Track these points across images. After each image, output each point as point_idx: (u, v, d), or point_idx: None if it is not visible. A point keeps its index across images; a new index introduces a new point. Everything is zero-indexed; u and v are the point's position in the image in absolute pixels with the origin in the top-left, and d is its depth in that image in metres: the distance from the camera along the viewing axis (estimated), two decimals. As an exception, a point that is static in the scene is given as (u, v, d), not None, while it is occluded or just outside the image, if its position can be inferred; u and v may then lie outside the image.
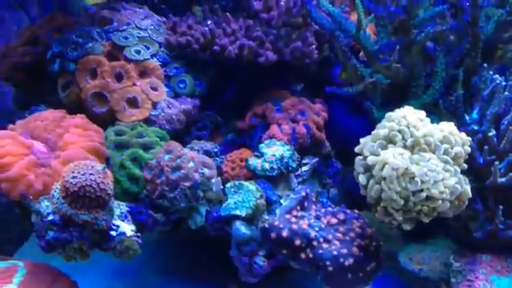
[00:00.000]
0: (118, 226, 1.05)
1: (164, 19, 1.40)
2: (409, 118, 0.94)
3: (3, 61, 1.29)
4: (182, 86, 1.28)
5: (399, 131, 0.94)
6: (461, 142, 0.92)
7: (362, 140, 0.99)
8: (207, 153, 1.22)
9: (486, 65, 1.06)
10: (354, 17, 1.38)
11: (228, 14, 1.28)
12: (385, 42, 1.11)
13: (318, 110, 1.29)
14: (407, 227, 0.95)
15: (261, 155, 1.19)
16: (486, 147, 1.01)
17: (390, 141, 0.95)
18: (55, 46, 1.24)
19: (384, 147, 0.95)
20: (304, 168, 1.24)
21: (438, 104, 1.11)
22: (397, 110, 0.98)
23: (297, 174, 1.23)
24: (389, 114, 0.97)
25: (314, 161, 1.25)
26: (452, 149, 0.91)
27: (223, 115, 1.38)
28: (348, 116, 1.40)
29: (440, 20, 1.10)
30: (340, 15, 1.13)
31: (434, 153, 0.92)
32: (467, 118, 1.06)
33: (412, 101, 1.13)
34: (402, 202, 0.90)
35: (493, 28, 1.04)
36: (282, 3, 1.22)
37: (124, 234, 1.05)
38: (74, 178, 0.97)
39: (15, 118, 1.22)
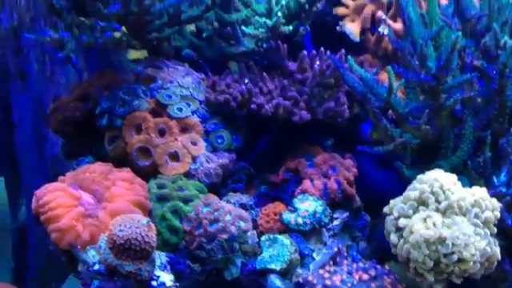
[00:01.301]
0: (158, 277, 1.10)
1: (203, 75, 1.47)
2: (442, 180, 0.97)
3: (55, 114, 1.37)
4: (219, 141, 1.34)
5: (432, 193, 0.97)
6: (491, 207, 0.94)
7: (391, 201, 1.01)
8: (243, 206, 1.26)
9: (513, 131, 1.09)
10: (382, 76, 1.45)
11: (264, 73, 1.34)
12: (414, 105, 1.15)
13: (349, 165, 1.32)
14: (438, 287, 0.96)
15: (294, 210, 1.22)
16: (514, 209, 1.03)
17: (421, 203, 0.98)
18: (104, 102, 1.31)
19: (415, 209, 0.98)
20: (335, 222, 1.27)
21: (467, 165, 1.14)
22: (427, 173, 1.01)
23: (328, 227, 1.26)
24: (420, 177, 1.01)
25: (345, 215, 1.28)
26: (482, 213, 0.94)
27: (256, 166, 1.43)
28: (377, 170, 1.44)
29: (468, 86, 1.14)
30: (371, 79, 1.18)
31: (464, 216, 0.95)
32: (495, 180, 1.08)
33: (441, 162, 1.15)
34: (432, 263, 0.93)
35: (520, 95, 1.08)
36: (316, 66, 1.28)
37: (164, 284, 1.09)
38: (120, 231, 1.02)
39: (61, 164, 1.28)
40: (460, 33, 1.04)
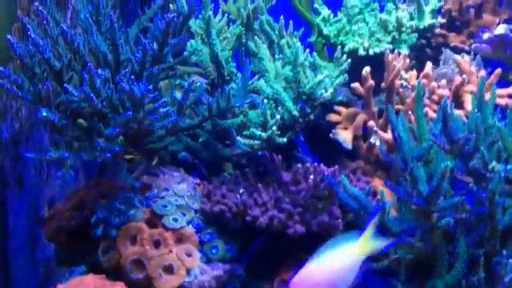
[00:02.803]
0: None
1: (198, 180, 1.48)
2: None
3: (50, 223, 1.36)
4: (214, 251, 1.33)
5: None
6: None
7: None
8: (237, 319, 1.24)
9: (504, 252, 1.09)
10: (375, 182, 1.47)
11: (259, 184, 1.35)
12: (407, 225, 1.16)
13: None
14: None
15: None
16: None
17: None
18: (100, 212, 1.30)
19: None
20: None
21: (462, 285, 1.14)
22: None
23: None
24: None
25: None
26: None
27: (250, 272, 1.41)
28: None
29: (460, 207, 1.15)
30: (364, 199, 1.19)
31: None
32: (490, 302, 1.08)
33: (436, 280, 1.15)
34: None
35: (510, 219, 1.09)
36: (310, 180, 1.29)
37: None
38: None
39: (52, 266, 1.26)
40: (449, 162, 1.07)
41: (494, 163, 1.09)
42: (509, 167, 1.08)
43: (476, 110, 1.20)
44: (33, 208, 1.49)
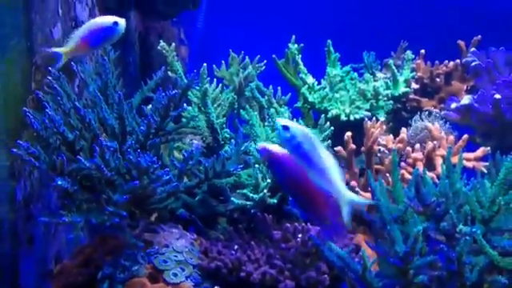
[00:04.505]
0: None
1: (195, 235, 1.57)
2: None
3: (59, 278, 1.44)
4: (210, 304, 1.42)
5: None
6: None
7: None
8: None
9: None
10: (359, 238, 1.57)
11: (252, 242, 1.45)
12: (386, 281, 1.26)
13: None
14: None
15: None
16: None
17: None
18: (106, 268, 1.39)
19: None
20: None
21: (436, 336, 1.23)
22: None
23: None
24: None
25: None
26: None
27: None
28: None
29: (433, 265, 1.26)
30: (348, 258, 1.29)
31: None
32: None
33: (414, 332, 1.25)
34: None
35: (476, 276, 1.20)
36: (299, 238, 1.40)
37: None
38: None
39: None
40: (421, 226, 1.18)
41: (461, 226, 1.21)
42: (473, 229, 1.20)
43: (445, 176, 1.32)
44: (41, 264, 1.57)
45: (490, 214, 1.23)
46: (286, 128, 1.15)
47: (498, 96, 1.55)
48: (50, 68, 1.40)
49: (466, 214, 1.26)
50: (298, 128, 1.16)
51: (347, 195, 1.15)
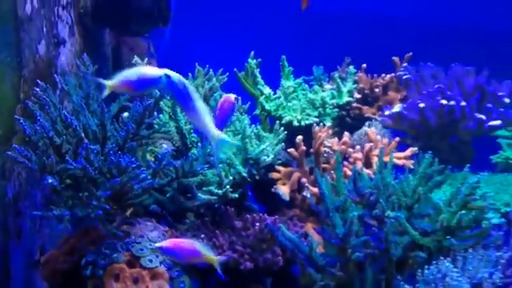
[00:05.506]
0: None
1: (166, 228, 1.77)
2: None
3: (47, 266, 1.62)
4: (182, 285, 1.61)
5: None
6: None
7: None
8: None
9: (399, 277, 1.45)
10: (308, 227, 1.81)
11: (217, 231, 1.66)
12: (329, 259, 1.49)
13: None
14: None
15: None
16: None
17: None
18: (89, 255, 1.58)
19: None
20: None
21: (370, 303, 1.47)
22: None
23: None
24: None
25: None
26: None
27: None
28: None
29: (367, 244, 1.50)
30: (297, 240, 1.52)
31: None
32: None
33: (352, 301, 1.49)
34: None
35: (401, 252, 1.45)
36: (257, 227, 1.62)
37: None
38: None
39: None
40: (356, 213, 1.43)
41: (388, 211, 1.46)
42: (398, 214, 1.45)
43: (378, 172, 1.57)
44: (28, 254, 1.73)
45: (412, 201, 1.49)
46: (168, 76, 1.25)
47: (422, 105, 1.82)
48: (38, 81, 1.58)
49: (394, 203, 1.51)
50: (179, 77, 1.27)
51: (216, 134, 1.27)
